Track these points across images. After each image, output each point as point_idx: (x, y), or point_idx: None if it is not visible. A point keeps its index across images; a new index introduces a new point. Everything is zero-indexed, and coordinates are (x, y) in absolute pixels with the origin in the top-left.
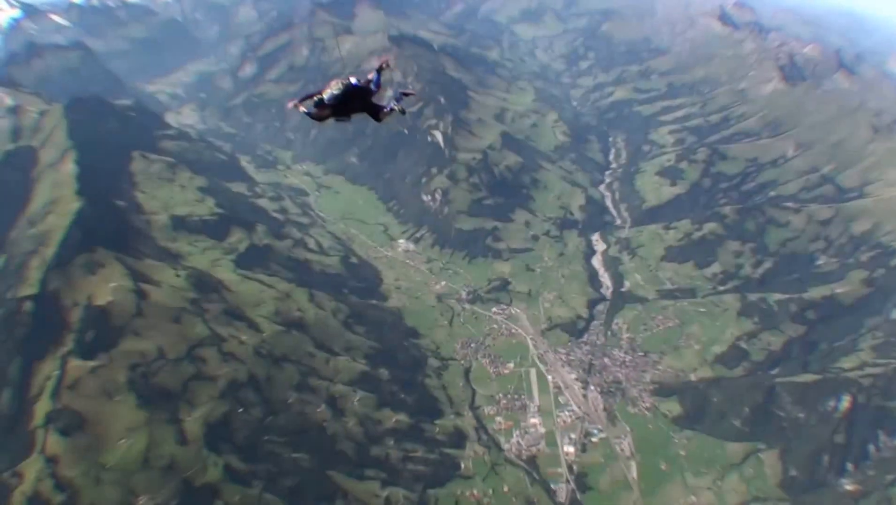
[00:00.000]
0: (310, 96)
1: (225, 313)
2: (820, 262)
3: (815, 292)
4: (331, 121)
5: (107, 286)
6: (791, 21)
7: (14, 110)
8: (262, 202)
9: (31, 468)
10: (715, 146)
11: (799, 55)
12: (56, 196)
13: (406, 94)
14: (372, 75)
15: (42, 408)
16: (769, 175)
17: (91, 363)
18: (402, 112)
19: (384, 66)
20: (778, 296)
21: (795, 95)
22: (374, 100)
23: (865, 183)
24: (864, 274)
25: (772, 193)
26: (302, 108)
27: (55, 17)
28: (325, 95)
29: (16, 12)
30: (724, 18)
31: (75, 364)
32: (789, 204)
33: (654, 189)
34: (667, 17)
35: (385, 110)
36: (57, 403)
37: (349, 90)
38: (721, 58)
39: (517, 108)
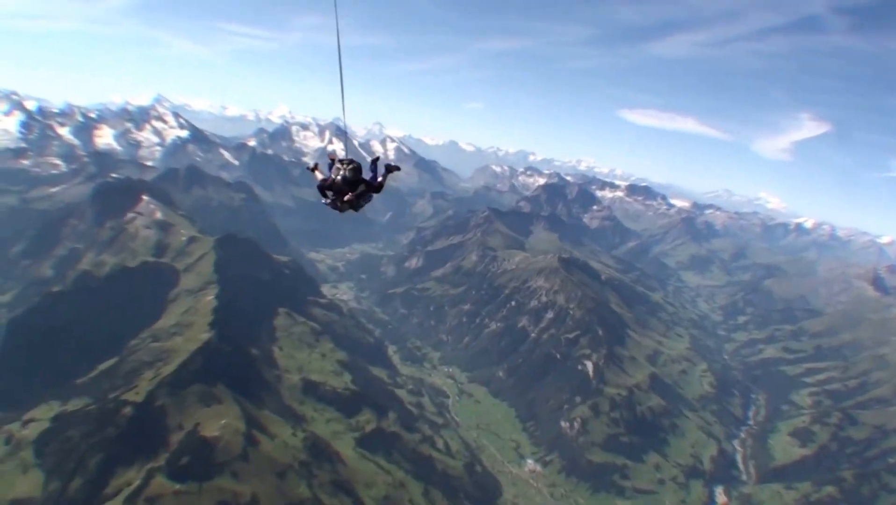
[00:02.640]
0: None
1: (333, 484)
2: None
3: None
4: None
5: (218, 421)
6: None
7: (162, 226)
8: (401, 392)
9: None
10: (848, 411)
11: None
12: (188, 321)
13: (390, 168)
14: (382, 178)
15: None
16: (892, 442)
17: (178, 486)
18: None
19: (380, 163)
20: None
21: None
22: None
23: None
24: None
25: (891, 460)
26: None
27: (224, 153)
28: (342, 175)
29: (184, 133)
30: (876, 283)
31: (161, 481)
32: None
33: (784, 449)
34: (825, 277)
35: (380, 180)
36: None
37: (359, 172)
38: (868, 322)
39: (670, 353)
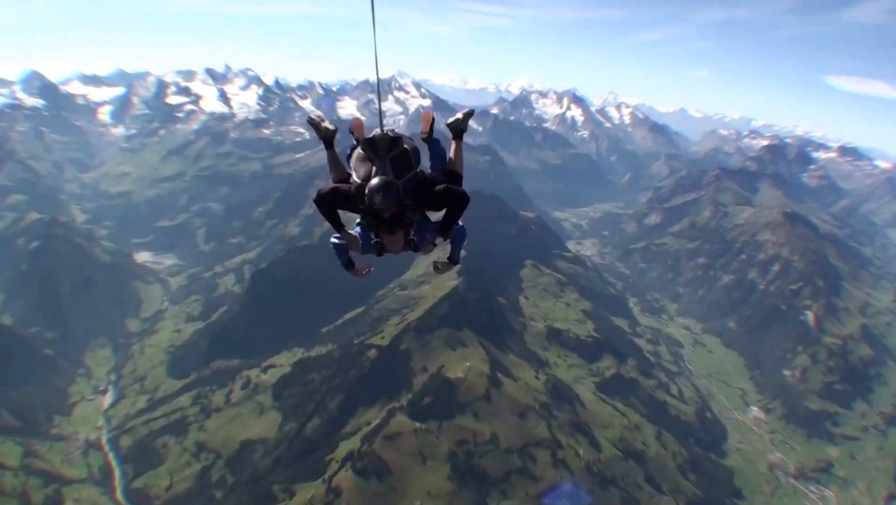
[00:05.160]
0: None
1: (571, 424)
2: None
3: None
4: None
5: (462, 364)
6: None
7: None
8: (639, 342)
9: (308, 491)
10: None
11: None
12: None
13: (457, 129)
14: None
15: (348, 446)
16: None
17: (418, 424)
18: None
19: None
20: None
21: None
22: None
23: None
24: None
25: None
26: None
27: (469, 122)
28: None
29: (426, 102)
30: None
31: (401, 420)
32: None
33: None
34: None
35: (450, 156)
36: (366, 446)
37: (416, 160)
38: None
39: (878, 305)
